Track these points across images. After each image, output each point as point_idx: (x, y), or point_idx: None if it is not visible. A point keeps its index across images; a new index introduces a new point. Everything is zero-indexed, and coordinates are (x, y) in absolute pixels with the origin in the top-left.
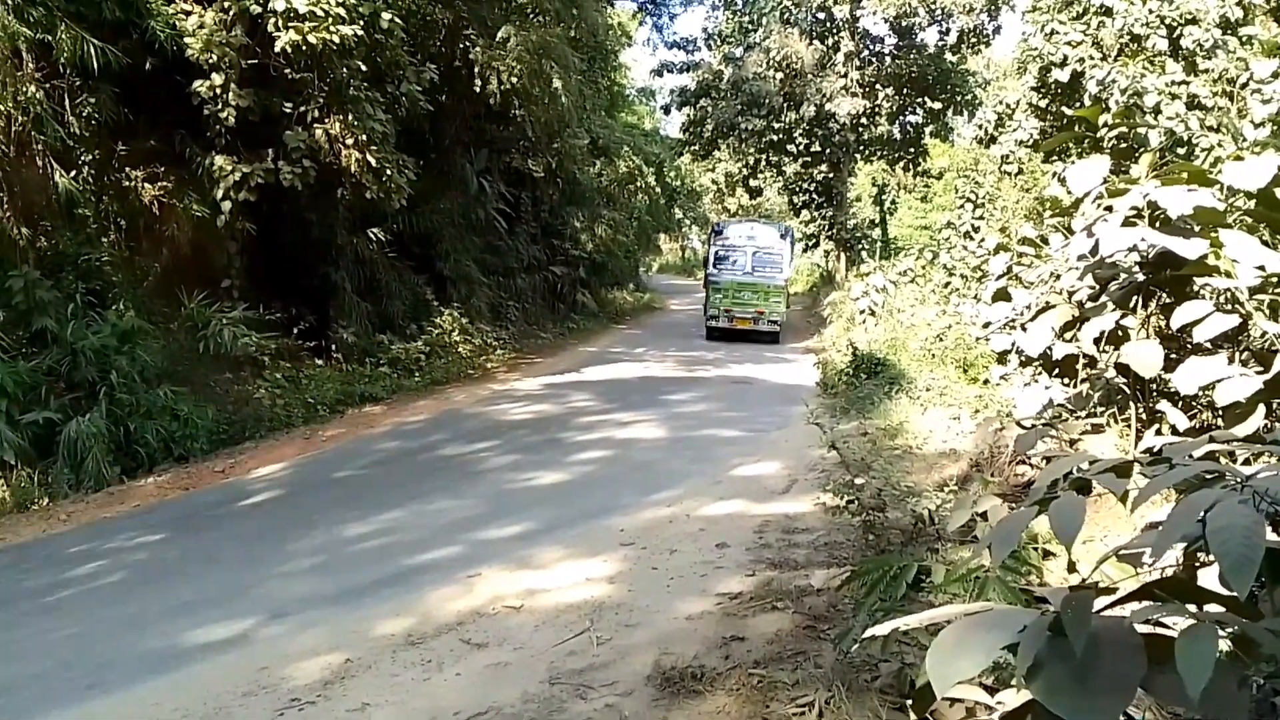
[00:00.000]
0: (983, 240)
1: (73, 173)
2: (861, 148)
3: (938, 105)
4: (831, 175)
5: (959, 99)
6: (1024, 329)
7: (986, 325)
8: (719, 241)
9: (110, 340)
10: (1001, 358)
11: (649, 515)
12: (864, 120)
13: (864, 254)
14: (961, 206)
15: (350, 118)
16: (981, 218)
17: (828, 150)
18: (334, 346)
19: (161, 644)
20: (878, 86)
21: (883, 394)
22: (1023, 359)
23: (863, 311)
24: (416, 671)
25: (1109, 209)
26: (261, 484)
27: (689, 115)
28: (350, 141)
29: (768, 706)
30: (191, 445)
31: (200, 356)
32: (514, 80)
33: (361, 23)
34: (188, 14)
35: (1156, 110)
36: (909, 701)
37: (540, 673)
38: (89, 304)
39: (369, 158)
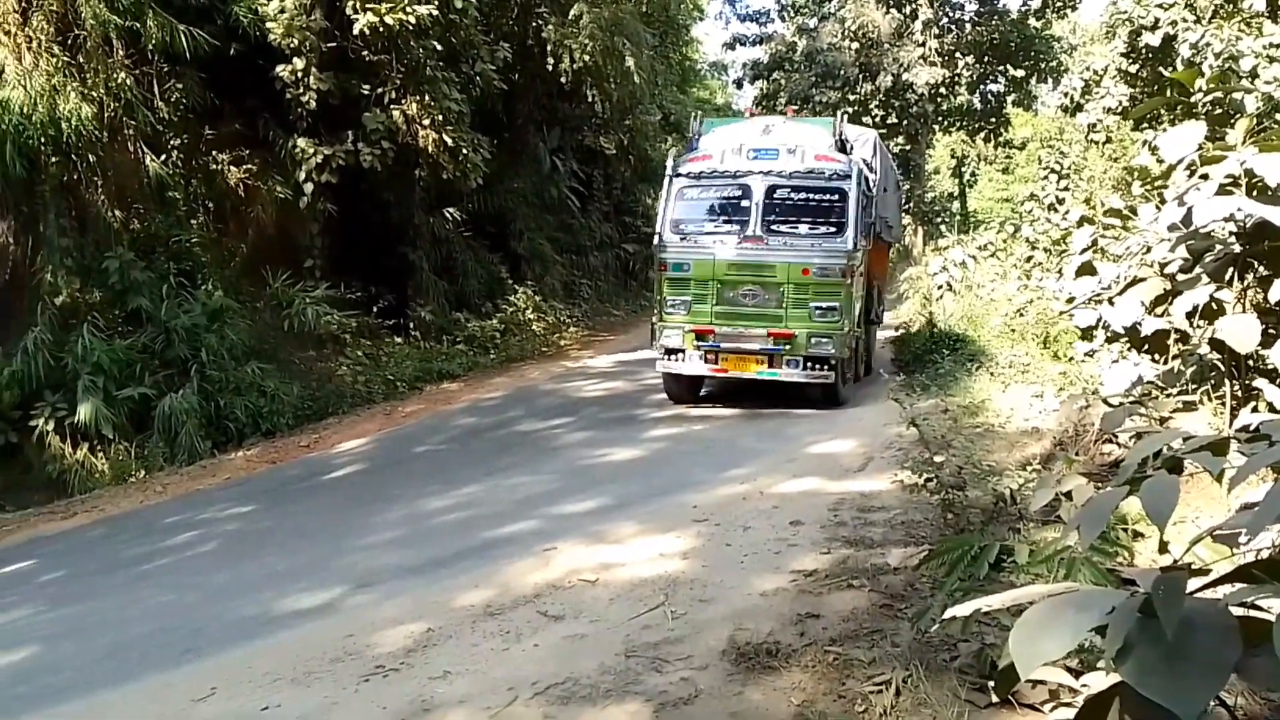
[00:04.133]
0: (1067, 212)
1: (162, 157)
2: (940, 118)
3: (1020, 73)
4: (909, 147)
5: (1043, 66)
6: (1111, 303)
7: (1071, 300)
8: (689, 168)
9: (200, 319)
10: (1086, 334)
11: (722, 492)
12: (943, 90)
13: (942, 228)
14: (1045, 178)
15: (427, 98)
16: (1066, 189)
17: (905, 122)
18: (412, 325)
19: (253, 611)
20: (957, 55)
21: (961, 371)
22: (1110, 334)
23: (940, 287)
24: (495, 642)
25: (1203, 177)
26: (345, 458)
27: (762, 89)
28: (427, 122)
29: (844, 684)
30: (278, 420)
31: (285, 334)
32: (586, 58)
33: (436, 3)
34: None
35: (1253, 74)
36: (991, 683)
37: (616, 645)
38: (180, 284)
39: (445, 137)
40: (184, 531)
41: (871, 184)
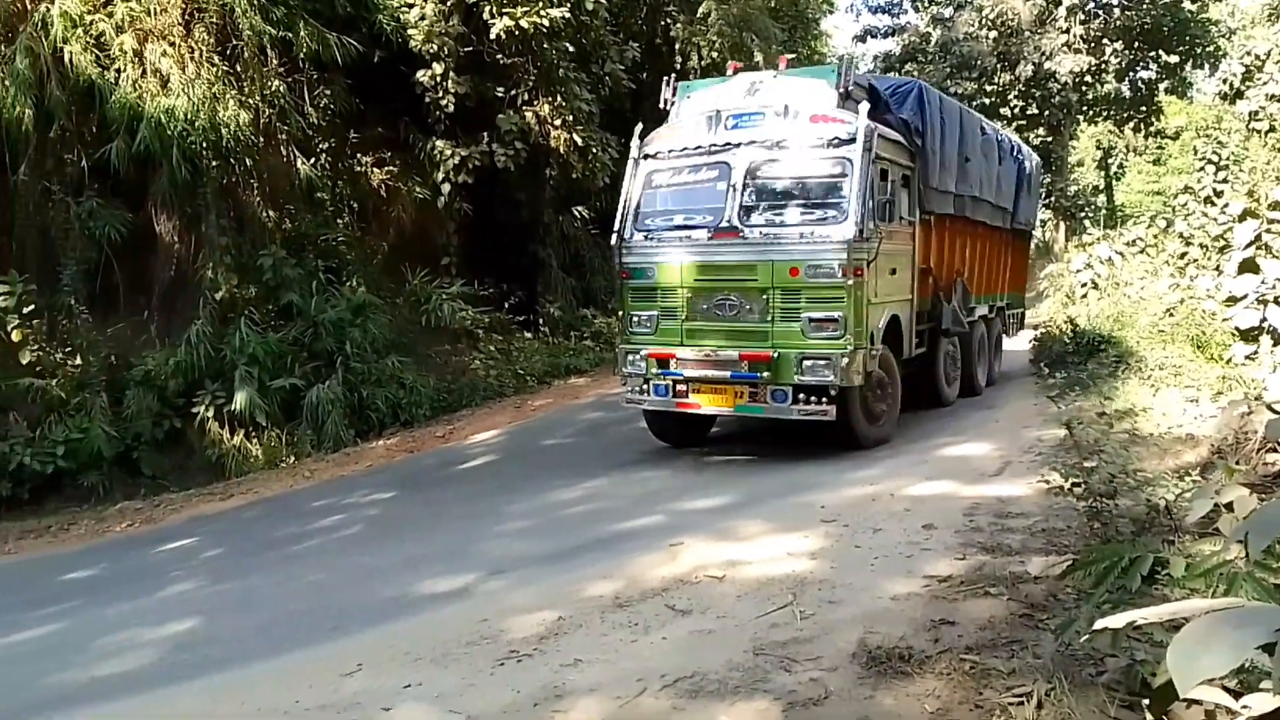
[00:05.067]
0: (1226, 206)
1: (312, 160)
2: (1084, 108)
3: (1174, 59)
4: (1050, 139)
5: (1199, 51)
6: (1277, 303)
7: (1230, 300)
8: (657, 147)
9: (345, 314)
10: (1247, 335)
11: (850, 493)
12: (1088, 78)
13: (1086, 223)
14: (1201, 169)
15: (558, 99)
16: (1225, 181)
17: (1046, 112)
18: (541, 320)
19: (393, 593)
20: (1104, 41)
21: (1107, 373)
22: (1275, 337)
23: (1084, 285)
24: (624, 633)
25: None
26: (478, 449)
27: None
28: (558, 122)
29: (981, 694)
30: (415, 411)
31: (422, 329)
32: (714, 54)
33: (569, 5)
34: (410, 6)
35: None
36: (1145, 700)
37: (744, 642)
38: (327, 280)
39: (575, 137)
40: (330, 515)
41: (923, 148)
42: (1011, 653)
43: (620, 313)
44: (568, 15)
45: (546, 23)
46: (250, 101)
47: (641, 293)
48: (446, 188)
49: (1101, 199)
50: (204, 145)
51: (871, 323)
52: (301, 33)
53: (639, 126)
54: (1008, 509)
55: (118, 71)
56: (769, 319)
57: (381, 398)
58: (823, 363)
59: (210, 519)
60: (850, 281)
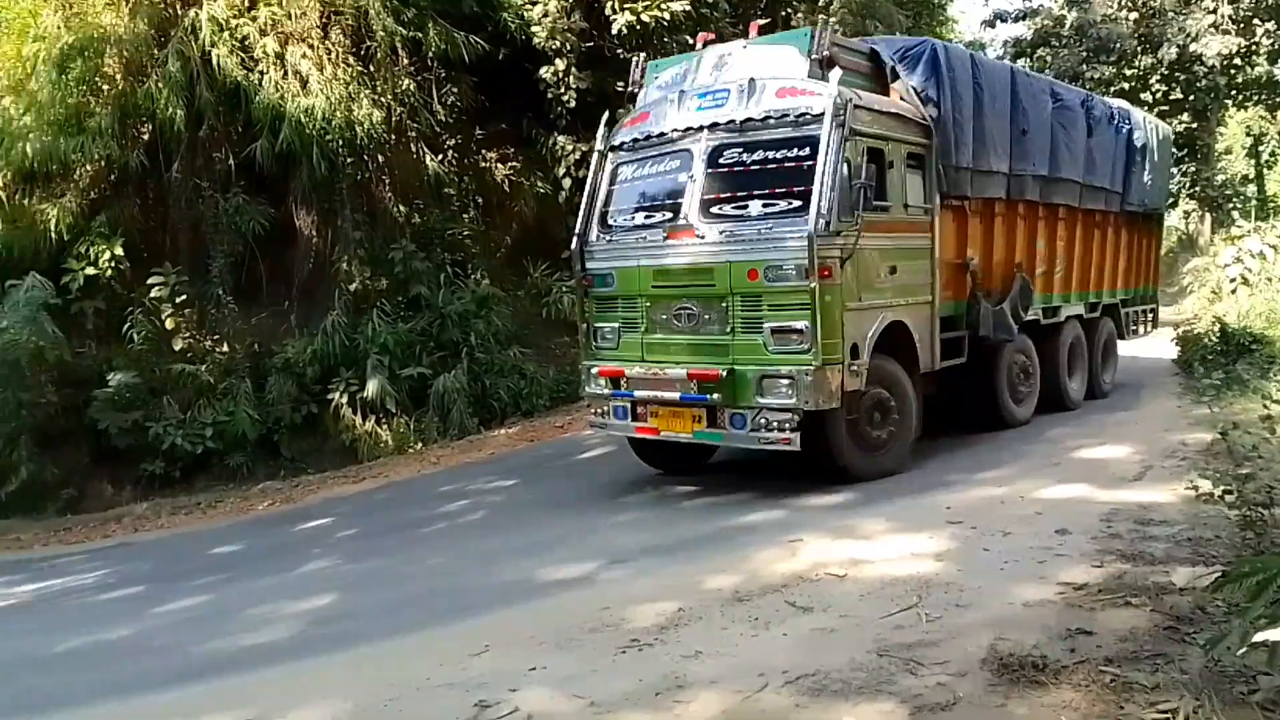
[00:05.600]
0: None
1: (439, 156)
2: (1233, 92)
3: None
4: (1195, 125)
5: None
6: None
7: None
8: (622, 136)
9: (470, 305)
10: None
11: (978, 494)
12: (1237, 61)
13: (1234, 214)
14: None
15: None
16: None
17: (1191, 97)
18: None
19: (517, 577)
20: (1255, 21)
21: (1257, 375)
22: None
23: (1233, 281)
24: (744, 627)
25: None
26: (595, 440)
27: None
28: None
29: (1121, 708)
30: (535, 401)
31: (543, 321)
32: None
33: None
34: (534, 3)
35: None
36: None
37: (867, 642)
38: (454, 273)
39: None
40: (455, 500)
41: (940, 120)
42: (1155, 666)
43: (583, 326)
44: (688, 8)
45: (667, 16)
46: (383, 100)
47: (604, 302)
48: (567, 182)
49: (1251, 189)
50: (340, 143)
51: (853, 331)
52: (431, 33)
53: (605, 115)
54: (1149, 515)
55: (261, 73)
56: (729, 330)
57: (503, 387)
58: (784, 381)
59: (344, 500)
60: (815, 284)
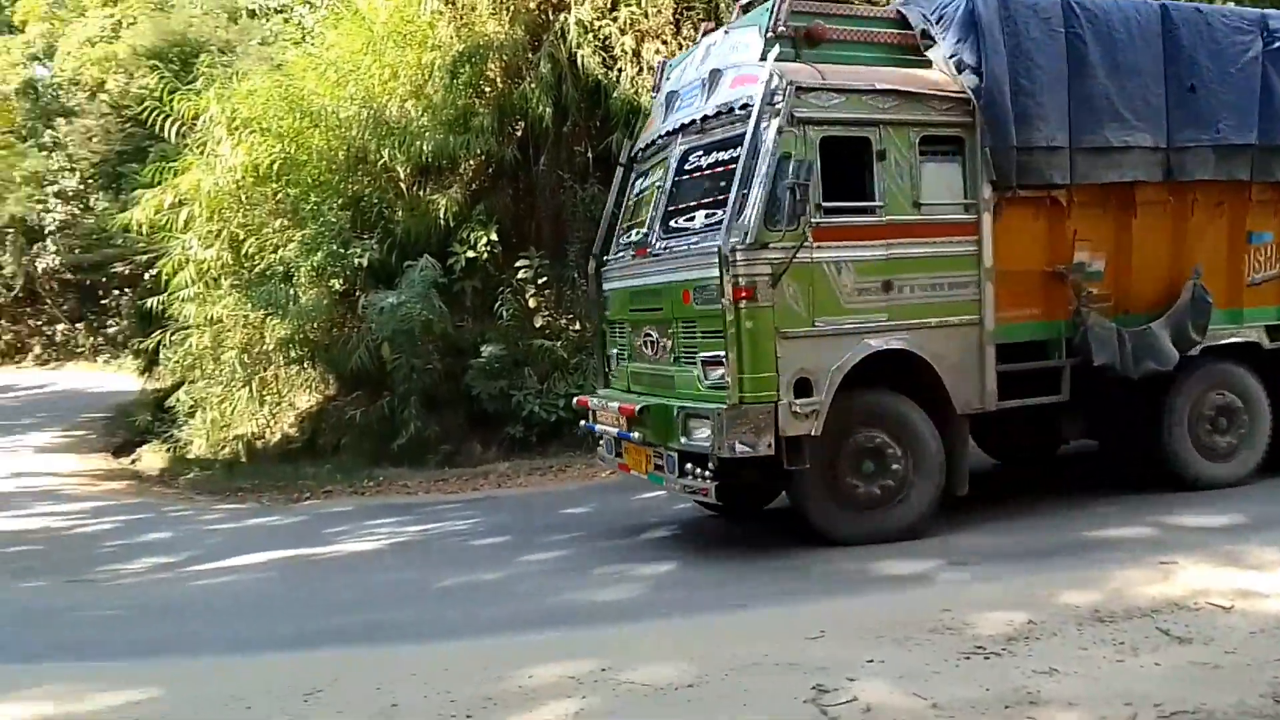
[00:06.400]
0: None
1: None
2: None
3: None
4: None
5: None
6: None
7: None
8: (638, 146)
9: None
10: None
11: None
12: None
13: None
14: None
15: None
16: None
17: None
18: None
19: (852, 566)
20: None
21: None
22: None
23: None
24: (1107, 650)
25: None
26: None
27: None
28: None
29: None
30: None
31: None
32: None
33: None
34: None
35: None
36: None
37: (1261, 685)
38: None
39: None
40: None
41: (985, 91)
42: None
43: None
44: None
45: None
46: None
47: (608, 326)
48: None
49: None
50: None
51: (800, 363)
52: None
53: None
54: None
55: (619, 70)
56: (674, 360)
57: None
58: (705, 421)
59: None
60: (731, 306)
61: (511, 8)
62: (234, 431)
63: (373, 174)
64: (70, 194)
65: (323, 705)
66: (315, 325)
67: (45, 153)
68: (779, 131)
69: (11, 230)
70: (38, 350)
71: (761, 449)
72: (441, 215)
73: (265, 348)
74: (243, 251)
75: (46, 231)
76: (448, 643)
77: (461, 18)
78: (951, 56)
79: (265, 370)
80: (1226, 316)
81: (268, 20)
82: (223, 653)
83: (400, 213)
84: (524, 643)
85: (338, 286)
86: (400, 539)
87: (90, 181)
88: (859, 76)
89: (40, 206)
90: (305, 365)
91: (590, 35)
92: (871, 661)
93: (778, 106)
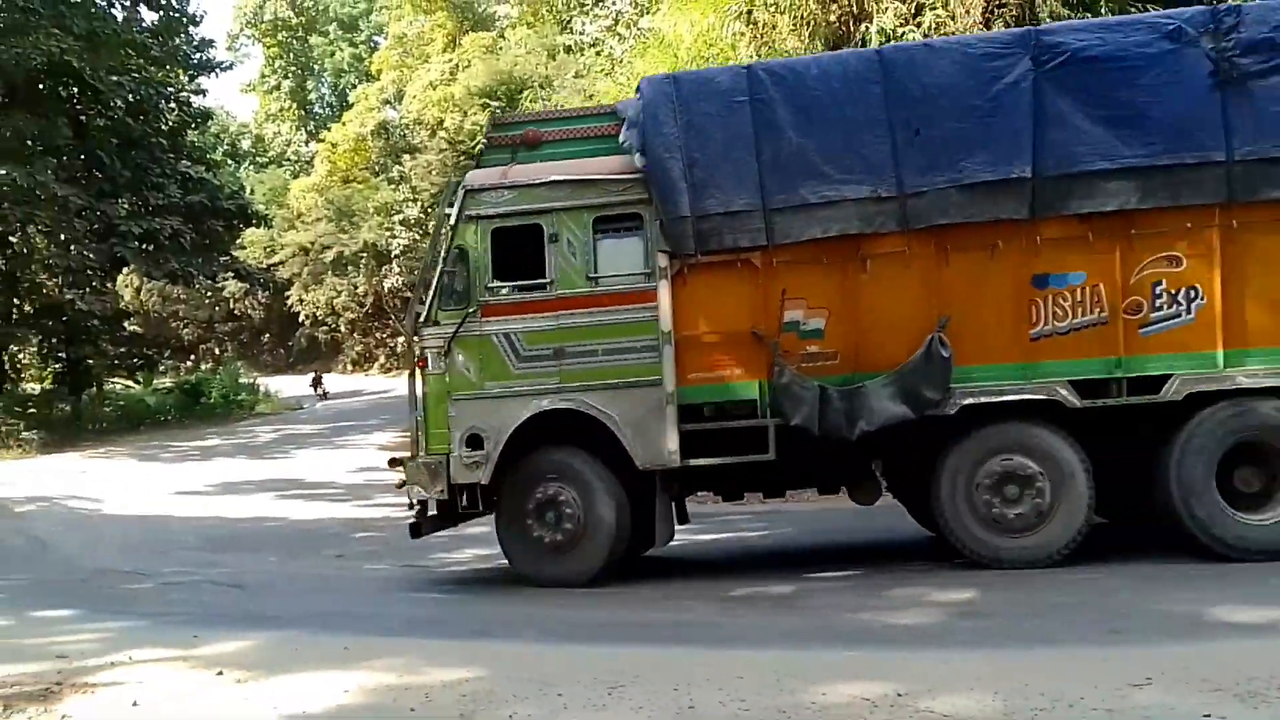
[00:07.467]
0: None
1: None
2: None
3: None
4: None
5: None
6: None
7: None
8: None
9: None
10: None
11: None
12: None
13: None
14: None
15: None
16: None
17: None
18: None
19: (1180, 610)
20: None
21: None
22: None
23: None
24: None
25: None
26: None
27: None
28: None
29: None
30: None
31: None
32: None
33: None
34: None
35: None
36: None
37: None
38: None
39: None
40: None
41: (652, 171)
42: None
43: None
44: None
45: None
46: None
47: None
48: None
49: None
50: None
51: (471, 420)
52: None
53: None
54: None
55: None
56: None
57: None
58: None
59: None
60: (414, 373)
61: (811, 23)
62: None
63: None
64: (412, 221)
65: (624, 700)
66: None
67: (393, 185)
68: (452, 227)
69: (365, 254)
70: (382, 359)
71: (433, 493)
72: None
73: None
74: None
75: (393, 255)
76: (742, 650)
77: (762, 36)
78: (624, 142)
79: None
80: (1009, 371)
81: (582, 54)
82: (537, 640)
83: None
84: (817, 658)
85: None
86: (691, 547)
87: (430, 211)
88: (540, 172)
89: (388, 233)
90: None
91: (893, 44)
92: (1209, 716)
93: (457, 207)
